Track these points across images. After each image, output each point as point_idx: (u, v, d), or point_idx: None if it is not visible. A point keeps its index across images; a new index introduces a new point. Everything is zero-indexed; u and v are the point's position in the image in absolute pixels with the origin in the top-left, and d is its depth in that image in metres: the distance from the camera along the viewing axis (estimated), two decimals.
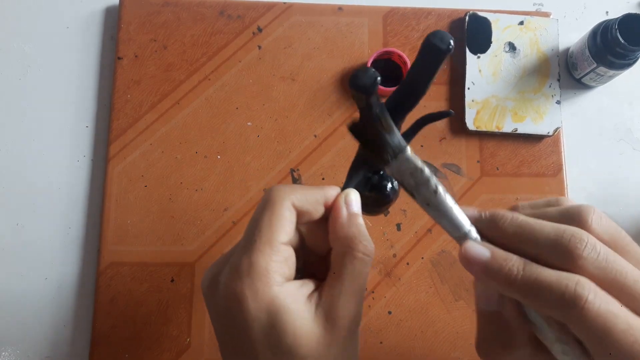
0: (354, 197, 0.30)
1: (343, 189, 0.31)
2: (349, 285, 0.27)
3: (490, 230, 0.27)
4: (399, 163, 0.27)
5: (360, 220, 0.30)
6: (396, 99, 0.29)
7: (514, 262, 0.25)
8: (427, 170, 0.27)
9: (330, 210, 0.30)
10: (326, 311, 0.27)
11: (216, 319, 0.29)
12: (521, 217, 0.27)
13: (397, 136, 0.27)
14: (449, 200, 0.27)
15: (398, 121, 0.29)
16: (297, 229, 0.30)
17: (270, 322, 0.26)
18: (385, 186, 0.31)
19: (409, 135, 0.30)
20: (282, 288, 0.27)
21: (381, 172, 0.31)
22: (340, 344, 0.27)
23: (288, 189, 0.29)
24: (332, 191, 0.30)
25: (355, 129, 0.28)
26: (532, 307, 0.26)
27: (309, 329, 0.26)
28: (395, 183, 0.31)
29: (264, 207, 0.28)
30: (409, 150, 0.27)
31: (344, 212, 0.29)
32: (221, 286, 0.27)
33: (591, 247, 0.24)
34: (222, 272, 0.28)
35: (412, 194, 0.28)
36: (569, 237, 0.25)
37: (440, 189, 0.27)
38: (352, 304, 0.27)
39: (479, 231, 0.27)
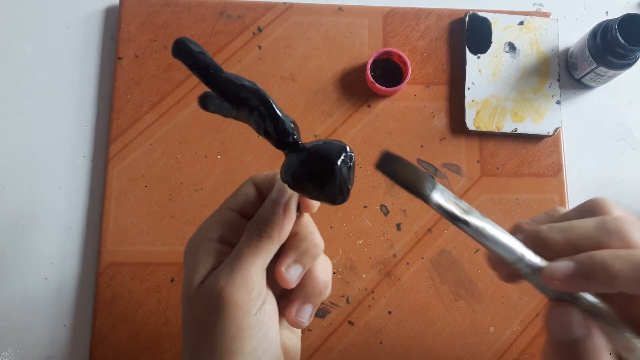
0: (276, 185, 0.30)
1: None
2: (234, 257, 0.28)
3: (535, 247, 0.27)
4: (440, 193, 0.26)
5: (279, 205, 0.29)
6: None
7: (602, 255, 0.24)
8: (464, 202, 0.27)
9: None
10: (210, 278, 0.28)
11: None
12: (557, 224, 0.27)
13: (425, 171, 0.27)
14: (496, 225, 0.26)
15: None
16: None
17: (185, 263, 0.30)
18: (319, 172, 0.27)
19: None
20: (205, 242, 0.30)
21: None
22: (209, 312, 0.27)
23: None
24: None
25: (386, 169, 0.27)
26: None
27: (193, 282, 0.29)
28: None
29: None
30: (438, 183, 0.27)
31: (268, 198, 0.30)
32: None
33: (637, 227, 0.25)
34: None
35: (464, 223, 0.26)
36: (614, 222, 0.25)
37: (485, 217, 0.26)
38: (225, 278, 0.27)
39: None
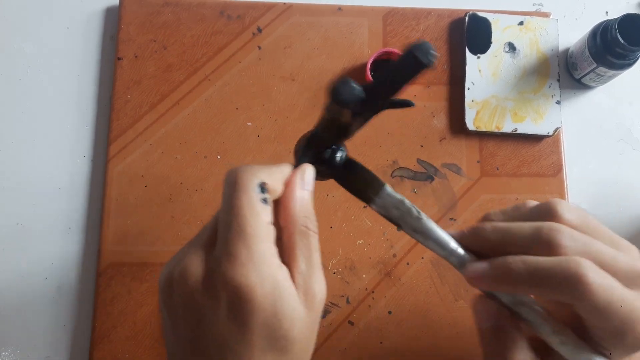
0: (311, 175, 0.30)
1: (296, 166, 0.30)
2: (312, 263, 0.28)
3: (475, 243, 0.30)
4: (383, 199, 0.30)
5: (311, 197, 0.30)
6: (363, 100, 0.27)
7: (512, 261, 0.27)
8: (407, 201, 0.30)
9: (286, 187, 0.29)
10: (305, 292, 0.27)
11: (183, 316, 0.27)
12: (500, 224, 0.29)
13: (375, 176, 0.31)
14: (432, 224, 0.30)
15: (363, 121, 0.29)
16: None
17: (273, 308, 0.25)
18: (335, 159, 0.32)
19: (370, 114, 0.29)
20: (281, 271, 0.26)
21: (332, 147, 0.32)
22: (316, 323, 0.28)
23: (254, 169, 0.28)
24: (287, 169, 0.30)
25: (337, 175, 0.31)
26: (541, 296, 0.28)
27: (299, 311, 0.26)
28: (343, 154, 0.32)
29: (234, 190, 0.27)
30: (387, 186, 0.30)
31: (299, 190, 0.29)
32: (219, 279, 0.25)
33: (569, 235, 0.27)
34: (188, 269, 0.26)
35: (398, 225, 0.30)
36: (547, 231, 0.27)
37: (423, 215, 0.30)
38: (320, 281, 0.28)
39: (466, 247, 0.30)
